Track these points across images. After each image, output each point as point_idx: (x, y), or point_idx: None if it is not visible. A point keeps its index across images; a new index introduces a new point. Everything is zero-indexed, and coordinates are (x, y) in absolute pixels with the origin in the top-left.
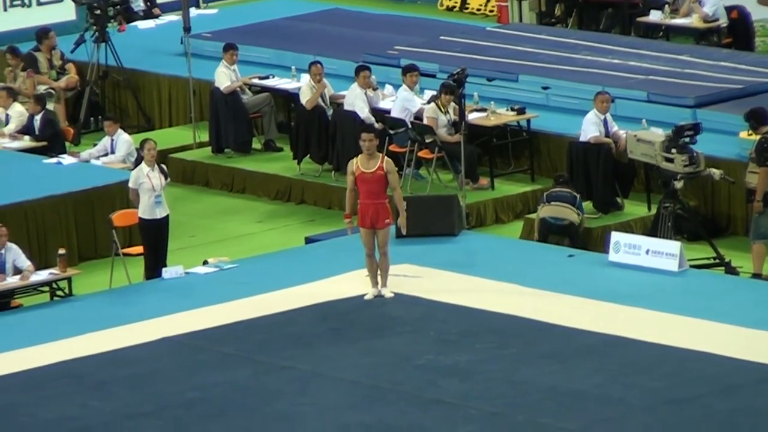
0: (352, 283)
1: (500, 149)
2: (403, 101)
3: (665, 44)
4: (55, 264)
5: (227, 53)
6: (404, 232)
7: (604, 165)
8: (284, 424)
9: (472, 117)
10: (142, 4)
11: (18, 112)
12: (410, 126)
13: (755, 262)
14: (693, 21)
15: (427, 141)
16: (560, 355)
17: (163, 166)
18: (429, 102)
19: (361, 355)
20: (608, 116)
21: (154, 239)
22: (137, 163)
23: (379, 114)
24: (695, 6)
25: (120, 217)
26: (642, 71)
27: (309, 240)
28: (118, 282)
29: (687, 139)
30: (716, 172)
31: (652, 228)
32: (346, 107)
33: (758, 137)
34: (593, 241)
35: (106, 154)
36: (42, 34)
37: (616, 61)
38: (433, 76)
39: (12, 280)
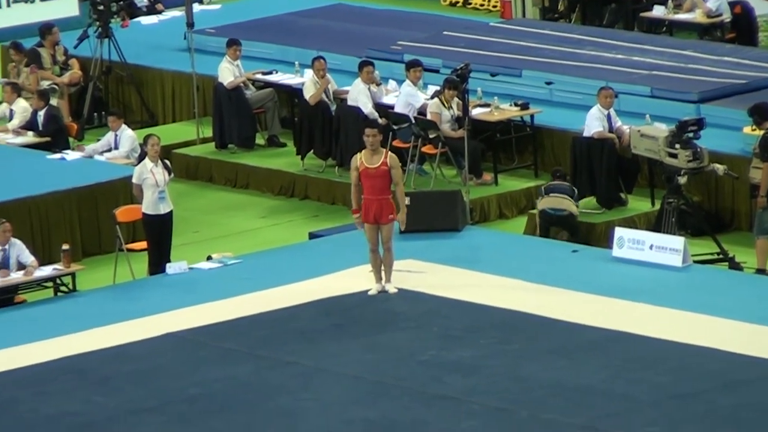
0: (356, 279)
1: (504, 144)
2: (406, 96)
3: (669, 39)
4: (58, 259)
5: (230, 49)
6: (402, 228)
7: (607, 160)
8: (287, 420)
9: (476, 112)
10: (145, 0)
11: (22, 107)
12: (414, 121)
13: (759, 257)
14: (696, 16)
15: (430, 136)
16: (564, 350)
17: (167, 162)
18: (432, 97)
19: (365, 351)
20: (612, 111)
21: (158, 235)
22: (141, 158)
23: (383, 109)
24: (698, 1)
25: (124, 213)
26: (645, 66)
27: (312, 235)
28: (122, 277)
29: (691, 135)
30: (720, 168)
31: (655, 223)
32: (350, 103)
33: (762, 132)
34: (597, 236)
35: (109, 150)
36: (45, 29)
37: (619, 56)
38: (437, 72)
39: (16, 276)
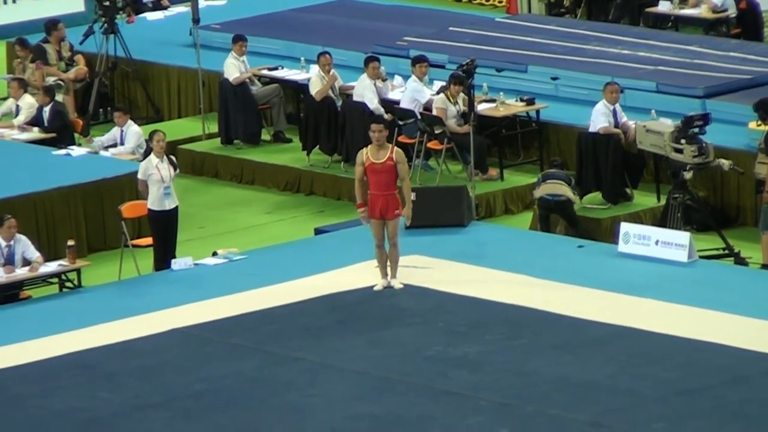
0: (362, 274)
1: (509, 140)
2: (412, 92)
3: (674, 35)
4: (64, 255)
5: (236, 44)
6: (408, 223)
7: (613, 156)
8: (293, 416)
9: (482, 108)
10: None
11: (28, 103)
12: (419, 117)
13: (764, 252)
14: (702, 11)
15: (436, 132)
16: (570, 346)
17: (173, 158)
18: (438, 93)
19: (371, 347)
20: (617, 107)
21: (164, 230)
22: (146, 154)
23: (389, 105)
24: None
25: (129, 209)
26: (651, 62)
27: (318, 231)
28: (128, 273)
29: (696, 130)
30: (725, 163)
31: (661, 219)
32: (356, 98)
33: (767, 128)
34: (602, 231)
35: (115, 145)
36: (51, 25)
37: (625, 51)
38: (443, 67)
39: (21, 272)
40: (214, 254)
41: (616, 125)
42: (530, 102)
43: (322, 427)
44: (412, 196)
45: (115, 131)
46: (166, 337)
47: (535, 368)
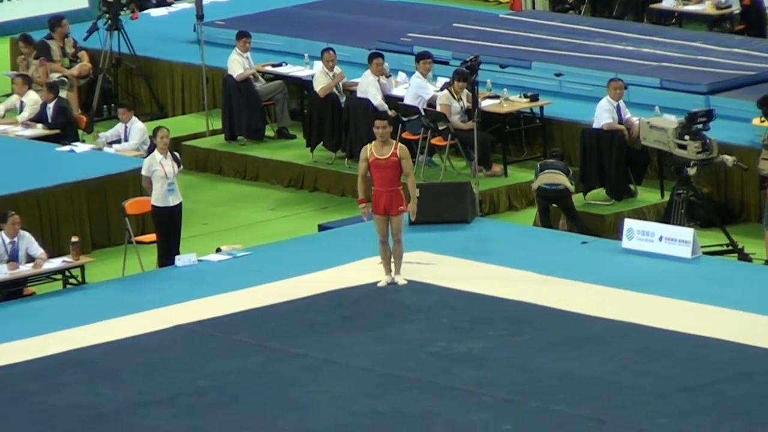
0: (366, 271)
1: (513, 136)
2: (416, 88)
3: (678, 31)
4: (68, 252)
5: (240, 41)
6: (413, 218)
7: (617, 152)
8: (297, 412)
9: (485, 104)
10: None
11: (32, 100)
12: (423, 113)
13: None
14: (706, 8)
15: (440, 128)
16: (573, 341)
17: (176, 154)
18: (442, 89)
19: (374, 343)
20: (621, 103)
21: (167, 227)
22: (150, 150)
23: (392, 101)
24: None
25: (133, 205)
26: (655, 58)
27: (322, 227)
28: (131, 270)
29: (700, 126)
30: (729, 159)
31: (665, 215)
32: (359, 94)
33: None
34: (606, 227)
35: (119, 141)
36: (55, 21)
37: (629, 47)
38: (446, 63)
39: (25, 268)
40: (218, 250)
41: (620, 121)
42: (534, 98)
43: (326, 424)
44: (416, 192)
45: (119, 127)
46: (170, 333)
47: (538, 364)
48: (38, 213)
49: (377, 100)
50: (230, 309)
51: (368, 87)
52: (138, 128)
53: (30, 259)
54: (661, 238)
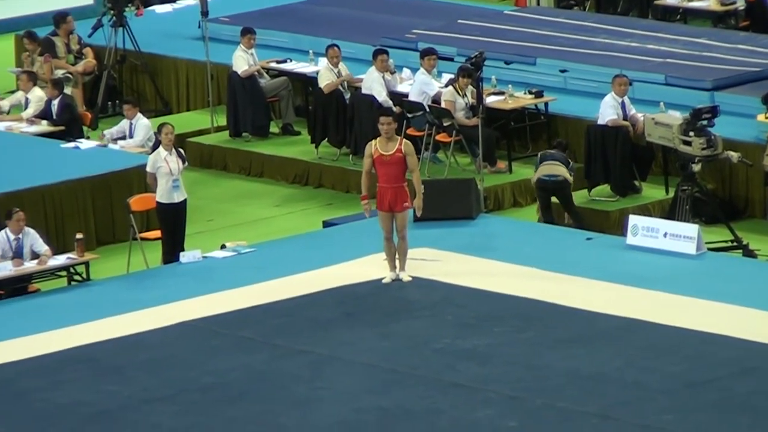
0: (370, 267)
1: (518, 132)
2: (420, 85)
3: (683, 27)
4: (72, 248)
5: (245, 37)
6: (419, 214)
7: (621, 148)
8: (301, 408)
9: (490, 100)
10: None
11: (37, 96)
12: (428, 109)
13: None
14: (710, 4)
15: (444, 124)
16: (579, 338)
17: (181, 150)
18: (447, 85)
19: (379, 339)
20: (626, 99)
21: (172, 223)
22: (155, 147)
23: (397, 98)
24: None
25: (137, 202)
26: (660, 54)
27: (327, 224)
28: (136, 266)
29: (705, 122)
30: (734, 155)
31: (669, 211)
32: (364, 91)
33: None
34: (611, 224)
35: (124, 137)
36: (60, 18)
37: (633, 44)
38: (451, 60)
39: (29, 265)
40: (223, 247)
41: (625, 118)
42: (539, 94)
43: (331, 420)
44: (422, 188)
45: (124, 124)
46: (174, 330)
47: (543, 361)
48: (43, 210)
49: (382, 96)
50: (235, 306)
51: (373, 83)
52: (143, 125)
53: (35, 255)
54: (665, 235)
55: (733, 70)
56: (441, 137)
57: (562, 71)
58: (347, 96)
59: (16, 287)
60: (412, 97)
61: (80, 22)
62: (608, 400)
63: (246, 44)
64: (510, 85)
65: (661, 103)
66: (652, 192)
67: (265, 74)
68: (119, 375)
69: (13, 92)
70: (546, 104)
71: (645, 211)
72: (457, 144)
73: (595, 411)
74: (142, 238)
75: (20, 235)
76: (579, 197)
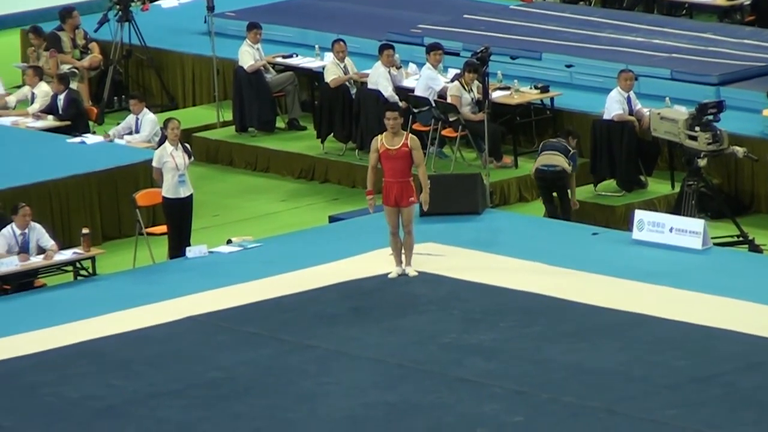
0: (376, 262)
1: (524, 127)
2: (426, 80)
3: (688, 22)
4: (78, 243)
5: (251, 32)
6: (425, 208)
7: (627, 143)
8: (308, 403)
9: (496, 95)
10: None
11: (43, 91)
12: (434, 104)
13: None
14: None
15: (450, 119)
16: (584, 333)
17: (187, 145)
18: (453, 80)
19: (385, 334)
20: (632, 94)
21: (178, 218)
22: (161, 142)
23: (403, 92)
24: None
25: (144, 197)
26: (665, 49)
27: (333, 219)
28: (142, 261)
29: (710, 117)
30: (740, 150)
31: (675, 206)
32: (370, 86)
33: None
34: (617, 219)
35: (130, 133)
36: (65, 13)
37: (639, 39)
38: (457, 55)
39: (36, 260)
40: (229, 242)
41: (631, 113)
42: (545, 89)
43: (338, 415)
44: (428, 182)
45: (130, 119)
46: (181, 325)
47: (549, 355)
48: (49, 205)
49: (388, 91)
50: (241, 300)
51: (379, 78)
52: (149, 120)
53: (41, 250)
54: (671, 230)
55: (738, 65)
56: (447, 132)
57: (568, 66)
58: (353, 91)
59: (23, 282)
60: (418, 92)
61: (86, 17)
62: (614, 394)
63: (252, 39)
64: (516, 80)
65: (667, 98)
66: (658, 187)
67: (271, 69)
68: (126, 370)
69: (19, 87)
70: (552, 99)
71: (651, 206)
72: (462, 139)
73: (600, 405)
74: (148, 233)
75: (26, 230)
76: (585, 192)
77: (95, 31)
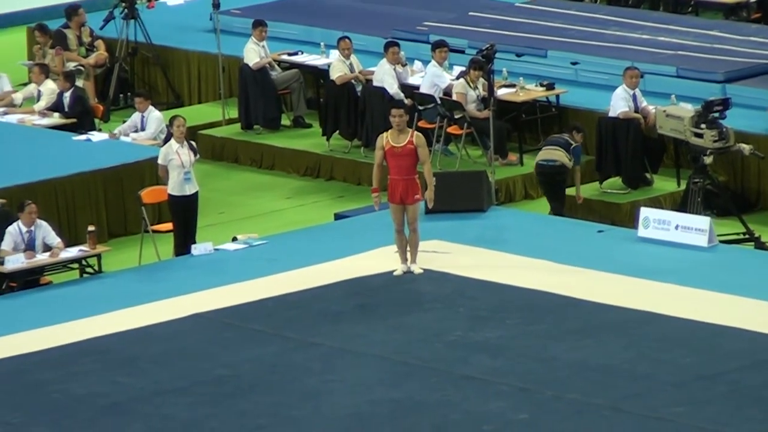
0: (382, 260)
1: (529, 125)
2: (432, 77)
3: (694, 19)
4: (84, 241)
5: (256, 29)
6: (430, 206)
7: (633, 140)
8: (313, 401)
9: (501, 93)
10: None
11: (49, 89)
12: (439, 102)
13: None
14: None
15: (456, 117)
16: (590, 330)
17: (193, 143)
18: (458, 78)
19: (391, 332)
20: (637, 91)
21: (184, 216)
22: (167, 139)
23: (408, 90)
24: None
25: (149, 194)
26: (671, 46)
27: (338, 216)
28: (148, 259)
29: (716, 114)
30: (746, 147)
31: (681, 203)
32: (376, 83)
33: None
34: (622, 216)
35: (136, 130)
36: (71, 10)
37: (645, 36)
38: (462, 52)
39: (42, 257)
40: (234, 239)
41: (636, 110)
42: (550, 87)
43: (343, 412)
44: (433, 180)
45: (136, 117)
46: (186, 322)
47: (555, 353)
48: (55, 202)
49: (393, 88)
50: (246, 298)
51: (384, 76)
52: (155, 117)
53: (47, 248)
54: (677, 227)
55: (744, 62)
56: (452, 129)
57: (574, 63)
58: (359, 88)
59: (29, 279)
60: (423, 90)
61: (92, 15)
62: (619, 392)
63: (257, 36)
64: (521, 78)
65: (673, 96)
66: (664, 184)
67: (276, 66)
68: (131, 367)
69: (25, 85)
70: (557, 96)
71: (656, 203)
72: (468, 136)
73: (606, 403)
74: (154, 231)
75: (32, 228)
76: (590, 189)
77: (101, 28)
